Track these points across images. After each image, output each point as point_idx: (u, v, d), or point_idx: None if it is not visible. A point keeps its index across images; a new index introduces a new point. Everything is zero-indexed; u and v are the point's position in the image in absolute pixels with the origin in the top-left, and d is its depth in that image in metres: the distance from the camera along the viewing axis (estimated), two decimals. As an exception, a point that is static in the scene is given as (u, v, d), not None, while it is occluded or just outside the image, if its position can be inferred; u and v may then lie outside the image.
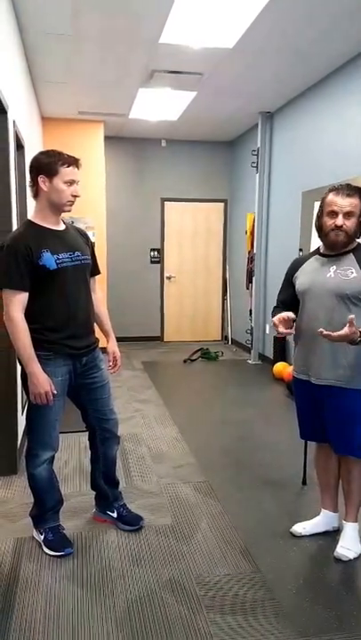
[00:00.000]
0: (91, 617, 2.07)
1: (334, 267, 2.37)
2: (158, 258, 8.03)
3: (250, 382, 5.85)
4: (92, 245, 2.58)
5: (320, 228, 2.39)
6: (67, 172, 2.32)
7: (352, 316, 2.17)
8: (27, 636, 1.97)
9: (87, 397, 2.55)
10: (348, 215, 2.29)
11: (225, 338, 8.24)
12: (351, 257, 2.36)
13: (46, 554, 2.48)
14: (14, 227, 3.41)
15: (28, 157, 4.41)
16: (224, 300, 8.28)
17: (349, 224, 2.30)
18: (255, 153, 6.60)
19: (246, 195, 7.28)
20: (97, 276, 2.63)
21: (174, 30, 3.92)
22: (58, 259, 2.31)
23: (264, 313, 6.75)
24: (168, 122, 6.66)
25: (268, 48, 4.31)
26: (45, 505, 2.54)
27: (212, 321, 8.32)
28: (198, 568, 2.40)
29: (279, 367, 5.80)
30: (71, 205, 2.40)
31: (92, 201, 6.78)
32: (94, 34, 4.06)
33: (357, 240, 2.40)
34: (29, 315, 2.29)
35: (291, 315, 2.38)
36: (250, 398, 5.17)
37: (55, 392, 2.32)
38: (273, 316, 2.52)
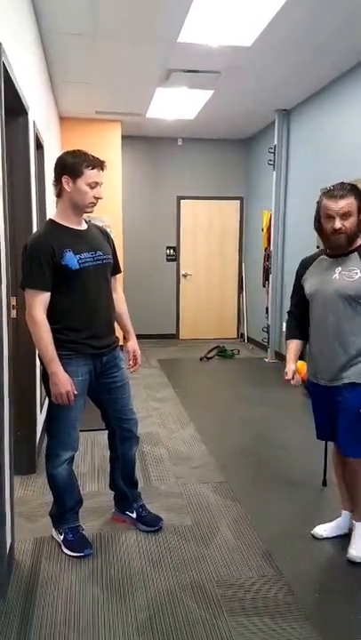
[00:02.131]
0: (112, 619, 2.06)
1: (340, 268, 2.32)
2: (174, 255, 7.99)
3: (267, 381, 5.80)
4: (112, 244, 2.56)
5: (320, 232, 2.34)
6: (91, 174, 2.29)
7: None
8: (47, 632, 1.96)
9: (107, 397, 2.53)
10: (345, 216, 2.22)
11: (241, 336, 8.18)
12: (356, 257, 2.30)
13: (65, 554, 2.47)
14: (35, 226, 3.40)
15: (48, 157, 4.41)
16: (240, 297, 8.23)
17: (348, 224, 2.23)
18: (272, 150, 6.52)
19: (263, 192, 7.20)
20: (118, 275, 2.61)
21: (193, 29, 3.87)
22: (80, 259, 2.29)
23: (281, 311, 6.68)
24: (185, 120, 6.61)
25: (286, 45, 4.24)
26: (65, 505, 2.52)
27: (228, 319, 8.27)
28: (219, 571, 2.37)
29: (297, 366, 5.72)
30: (93, 207, 2.38)
31: (108, 200, 6.73)
32: (113, 33, 4.02)
33: None
34: (51, 315, 2.27)
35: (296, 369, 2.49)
36: (268, 397, 5.12)
37: (76, 392, 2.30)
38: (288, 325, 2.61)
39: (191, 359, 6.75)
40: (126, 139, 7.10)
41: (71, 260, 2.26)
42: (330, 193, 2.26)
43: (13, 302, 3.12)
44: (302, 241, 5.96)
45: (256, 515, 2.85)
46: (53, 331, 2.27)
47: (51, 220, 2.39)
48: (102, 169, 2.33)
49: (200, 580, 2.30)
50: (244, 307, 8.13)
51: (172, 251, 7.99)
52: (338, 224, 2.23)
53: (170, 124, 6.83)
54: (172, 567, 2.38)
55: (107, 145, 6.75)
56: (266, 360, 6.74)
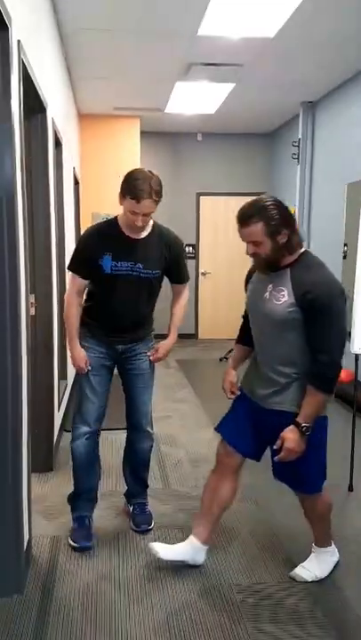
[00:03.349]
0: (129, 620, 2.09)
1: (271, 285, 2.12)
2: (193, 253, 8.01)
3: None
4: (176, 255, 2.59)
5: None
6: (129, 202, 2.32)
7: (277, 444, 2.06)
8: (64, 632, 2.00)
9: (126, 384, 2.68)
10: (254, 243, 2.05)
11: (263, 335, 8.15)
12: (287, 274, 2.07)
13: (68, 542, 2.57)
14: (53, 225, 3.45)
15: (66, 155, 4.46)
16: (262, 296, 8.19)
17: (262, 249, 2.04)
18: (296, 144, 6.48)
19: (286, 187, 7.16)
20: (184, 284, 2.72)
21: (213, 21, 3.87)
22: (115, 265, 2.42)
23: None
24: (205, 115, 6.62)
25: (311, 36, 4.21)
26: (78, 486, 2.63)
27: (250, 318, 8.24)
28: (238, 575, 2.38)
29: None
30: (136, 231, 2.41)
31: (128, 197, 6.81)
32: (132, 28, 4.06)
33: (300, 250, 2.10)
34: (88, 293, 2.58)
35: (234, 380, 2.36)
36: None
37: (90, 368, 2.52)
38: (240, 328, 2.46)
39: (210, 359, 6.76)
40: (145, 134, 7.14)
41: (106, 263, 2.42)
42: (237, 218, 2.09)
43: (32, 300, 3.19)
44: (328, 237, 5.92)
45: (277, 519, 2.85)
46: (83, 308, 2.55)
47: (115, 218, 2.48)
48: (140, 201, 2.29)
49: (219, 584, 2.31)
50: (267, 306, 8.09)
51: (191, 248, 8.00)
52: (249, 249, 2.08)
53: (189, 119, 6.85)
54: (190, 570, 2.39)
55: (125, 141, 6.81)
56: (289, 361, 6.70)
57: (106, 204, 6.85)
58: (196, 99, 5.90)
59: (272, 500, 3.04)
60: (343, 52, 4.59)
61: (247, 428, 2.29)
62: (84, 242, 2.53)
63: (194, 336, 8.04)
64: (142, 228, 2.42)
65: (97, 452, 2.67)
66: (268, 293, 2.12)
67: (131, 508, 2.81)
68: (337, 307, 2.01)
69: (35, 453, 2.73)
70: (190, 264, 8.14)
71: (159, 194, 2.33)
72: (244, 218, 2.04)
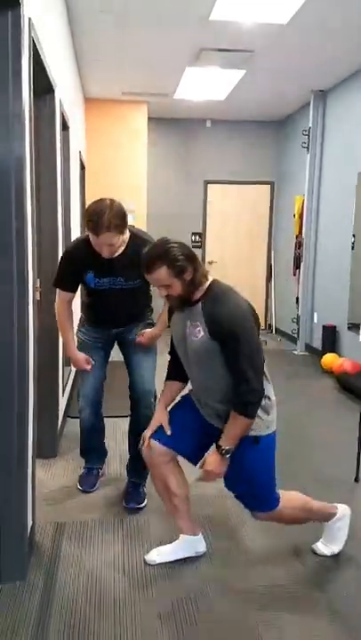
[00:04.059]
0: (134, 606, 2.10)
1: (188, 322, 2.14)
2: (200, 242, 7.98)
3: (297, 374, 5.77)
4: None
5: None
6: (91, 235, 2.45)
7: (200, 465, 2.12)
8: (67, 619, 2.01)
9: (126, 355, 2.87)
10: (164, 287, 2.07)
11: (269, 327, 8.14)
12: (199, 308, 2.09)
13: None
14: (59, 209, 3.44)
15: (73, 139, 4.43)
16: (268, 287, 8.18)
17: (173, 290, 2.07)
18: (306, 132, 6.44)
19: (296, 176, 7.12)
20: None
21: (226, 6, 3.84)
22: (98, 282, 2.63)
23: (312, 301, 6.63)
24: (214, 102, 6.57)
25: (325, 22, 4.17)
26: (81, 445, 3.06)
27: (256, 309, 8.17)
28: (246, 565, 2.39)
29: (329, 358, 5.69)
30: (105, 254, 2.49)
31: (133, 183, 6.79)
32: (142, 11, 4.02)
33: (207, 282, 2.11)
34: (84, 295, 2.83)
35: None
36: (298, 391, 5.10)
37: (93, 363, 2.80)
38: (167, 372, 2.40)
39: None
40: (153, 120, 7.10)
41: (90, 279, 2.64)
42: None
43: (37, 284, 3.18)
44: (337, 228, 5.89)
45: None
46: (81, 302, 2.84)
47: (87, 238, 2.53)
48: (100, 235, 2.38)
49: (227, 574, 2.32)
50: (273, 296, 8.08)
51: (197, 237, 7.98)
52: (161, 292, 2.11)
53: (198, 105, 6.80)
54: (197, 559, 2.40)
55: (132, 127, 6.77)
56: (295, 352, 6.70)
57: (111, 189, 6.84)
58: (205, 85, 5.86)
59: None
60: (357, 40, 4.54)
61: (188, 430, 2.29)
62: (65, 261, 2.69)
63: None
64: (111, 255, 2.50)
65: (99, 419, 3.02)
66: (187, 329, 2.15)
67: (126, 484, 2.93)
68: (244, 333, 2.03)
69: (39, 439, 2.74)
70: (196, 253, 8.11)
71: (119, 226, 2.39)
72: (149, 265, 2.06)
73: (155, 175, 7.42)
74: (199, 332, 2.08)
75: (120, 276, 2.59)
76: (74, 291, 2.74)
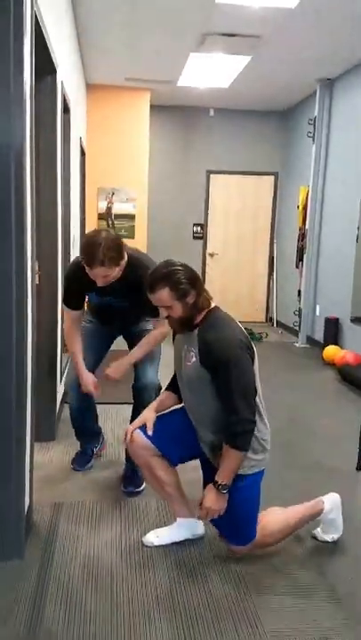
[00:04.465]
0: (130, 587, 2.11)
1: (186, 346, 2.16)
2: (201, 233, 7.97)
3: (299, 366, 5.78)
4: (144, 293, 2.59)
5: None
6: (86, 266, 2.43)
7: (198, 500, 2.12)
8: (63, 598, 2.02)
9: (130, 343, 2.89)
10: (165, 308, 2.10)
11: (270, 319, 8.14)
12: (195, 334, 2.11)
13: None
14: (59, 192, 3.41)
15: (74, 123, 4.42)
16: (270, 279, 8.17)
17: (174, 312, 2.10)
18: (312, 122, 6.42)
19: (300, 167, 7.11)
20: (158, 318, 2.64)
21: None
22: (101, 300, 2.74)
23: (314, 294, 6.63)
24: (218, 89, 6.55)
25: (333, 9, 4.15)
26: (72, 424, 3.06)
27: (257, 301, 8.23)
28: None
29: (330, 351, 5.69)
30: (100, 284, 2.49)
31: (134, 172, 6.77)
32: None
33: (208, 307, 2.13)
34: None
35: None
36: (299, 382, 5.10)
37: (95, 388, 2.80)
38: (168, 384, 2.42)
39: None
40: (155, 108, 7.07)
41: (93, 297, 2.78)
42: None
43: (36, 268, 3.17)
44: (342, 219, 5.88)
45: (285, 499, 2.84)
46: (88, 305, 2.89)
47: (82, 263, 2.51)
48: (93, 268, 2.39)
49: (225, 556, 2.32)
50: (275, 289, 8.08)
51: (199, 228, 7.97)
52: (163, 313, 2.15)
53: (202, 94, 6.78)
54: (196, 542, 2.41)
55: (134, 115, 6.76)
56: (297, 345, 6.70)
57: (112, 178, 6.84)
58: (209, 72, 5.84)
59: (280, 481, 3.04)
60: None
61: (176, 436, 2.29)
62: (68, 283, 2.71)
63: (199, 319, 8.00)
64: (106, 283, 2.49)
65: (89, 401, 2.95)
66: (183, 353, 2.16)
67: (124, 468, 2.93)
68: (237, 364, 2.03)
69: (38, 423, 2.75)
70: (197, 244, 8.16)
71: (114, 258, 2.39)
72: (152, 285, 2.08)
73: (156, 164, 7.40)
74: (192, 358, 2.10)
75: (119, 297, 2.65)
76: (81, 307, 2.76)
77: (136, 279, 2.42)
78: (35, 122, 2.40)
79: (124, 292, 2.60)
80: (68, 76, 4.10)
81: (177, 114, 7.61)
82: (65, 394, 4.10)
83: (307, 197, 6.61)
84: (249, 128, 7.74)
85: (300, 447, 3.53)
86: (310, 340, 6.65)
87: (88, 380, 2.77)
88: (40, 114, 2.99)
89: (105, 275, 2.42)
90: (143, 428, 2.32)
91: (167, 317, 2.16)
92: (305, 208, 6.66)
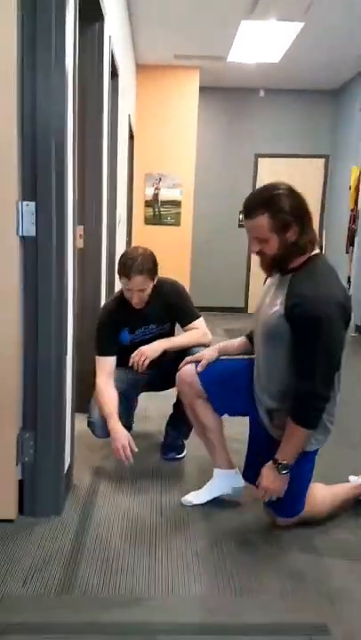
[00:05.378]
0: (169, 542, 2.07)
1: (272, 291, 1.95)
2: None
3: (348, 355, 5.57)
4: (177, 308, 2.69)
5: None
6: (123, 280, 2.53)
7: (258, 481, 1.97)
8: (100, 553, 1.99)
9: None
10: (259, 240, 1.86)
11: (318, 309, 7.92)
12: (287, 280, 1.89)
13: None
14: (105, 162, 3.35)
15: (122, 91, 4.32)
16: (320, 267, 7.96)
17: (268, 248, 1.85)
18: (365, 99, 6.21)
19: (352, 147, 6.89)
20: (196, 322, 2.69)
21: None
22: (133, 337, 2.68)
23: (366, 279, 6.41)
24: (268, 65, 6.41)
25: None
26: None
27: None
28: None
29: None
30: (136, 301, 2.55)
31: (181, 157, 6.72)
32: None
33: (311, 252, 1.90)
34: None
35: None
36: (349, 367, 4.92)
37: (136, 450, 2.45)
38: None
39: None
40: (204, 90, 7.00)
41: (125, 336, 2.69)
42: (243, 210, 1.91)
43: (80, 232, 3.16)
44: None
45: (329, 477, 2.74)
46: None
47: (120, 295, 2.65)
48: (132, 278, 2.47)
49: (265, 517, 2.25)
50: (324, 277, 7.85)
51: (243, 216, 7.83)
52: (253, 247, 1.90)
53: (251, 72, 6.67)
54: (237, 507, 2.34)
55: (184, 95, 6.69)
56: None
57: (161, 163, 6.81)
58: (261, 42, 5.70)
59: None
60: None
61: (232, 388, 2.19)
62: (101, 327, 2.67)
63: (243, 310, 7.87)
64: (140, 303, 2.57)
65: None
66: (268, 299, 1.96)
67: (164, 436, 2.86)
68: (328, 327, 1.77)
69: (81, 398, 2.71)
70: (243, 232, 8.00)
71: (151, 270, 2.52)
72: (249, 208, 1.85)
73: (204, 147, 7.33)
74: (276, 306, 1.86)
75: (152, 323, 2.69)
76: (115, 352, 2.63)
77: (165, 295, 2.64)
78: (79, 82, 2.24)
79: (155, 313, 2.65)
80: (118, 40, 3.97)
81: (226, 95, 7.52)
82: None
83: (359, 178, 6.40)
84: (300, 110, 7.57)
85: (351, 425, 3.41)
86: (360, 329, 6.44)
87: (123, 435, 2.45)
88: (85, 68, 2.73)
89: (141, 288, 2.50)
90: (202, 373, 2.20)
91: (258, 253, 1.90)
92: (357, 189, 6.45)
